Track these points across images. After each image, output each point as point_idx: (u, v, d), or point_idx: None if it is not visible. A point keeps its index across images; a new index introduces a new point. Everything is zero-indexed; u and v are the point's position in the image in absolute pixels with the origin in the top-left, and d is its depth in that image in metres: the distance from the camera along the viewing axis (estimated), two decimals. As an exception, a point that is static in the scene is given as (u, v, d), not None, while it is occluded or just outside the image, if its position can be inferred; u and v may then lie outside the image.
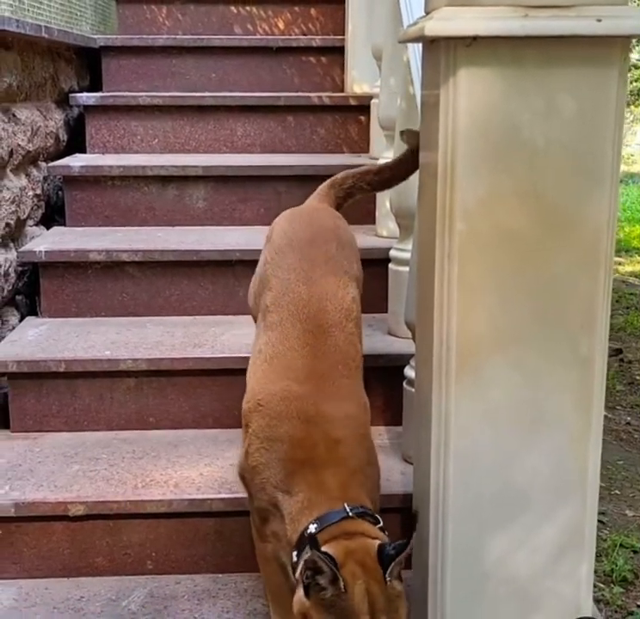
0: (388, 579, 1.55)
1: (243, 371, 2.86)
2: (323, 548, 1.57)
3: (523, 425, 1.60)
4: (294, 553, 1.71)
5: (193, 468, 2.62)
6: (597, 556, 3.65)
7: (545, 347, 1.56)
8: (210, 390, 2.87)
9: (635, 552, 3.78)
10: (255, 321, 2.39)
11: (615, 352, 6.87)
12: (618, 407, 5.76)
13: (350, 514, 1.69)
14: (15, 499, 2.42)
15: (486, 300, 1.55)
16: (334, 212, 2.53)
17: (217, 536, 2.49)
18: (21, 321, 3.21)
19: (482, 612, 1.67)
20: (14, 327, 3.13)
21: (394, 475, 2.49)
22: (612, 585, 3.45)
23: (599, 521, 4.01)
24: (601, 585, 3.45)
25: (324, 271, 2.23)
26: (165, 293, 3.23)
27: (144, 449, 2.75)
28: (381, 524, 1.72)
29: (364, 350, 2.87)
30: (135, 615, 2.32)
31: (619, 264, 10.03)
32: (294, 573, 1.69)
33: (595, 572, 3.46)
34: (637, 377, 6.26)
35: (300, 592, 1.59)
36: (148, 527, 2.50)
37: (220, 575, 2.50)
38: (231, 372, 2.83)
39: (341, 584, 1.53)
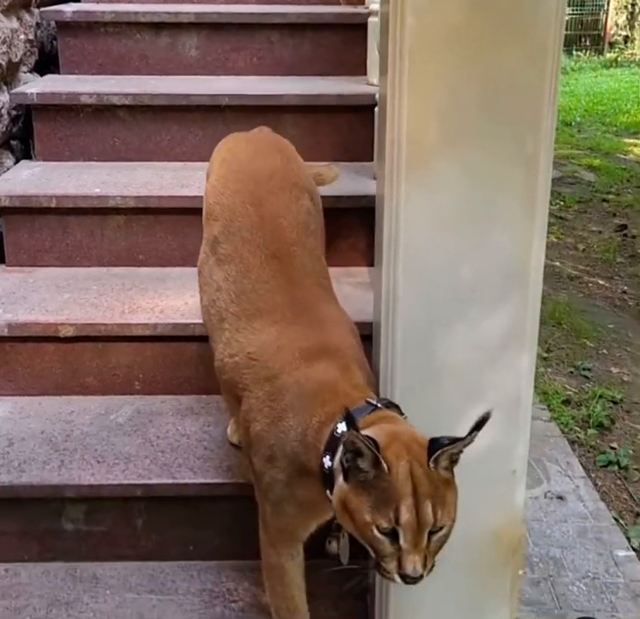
0: (432, 465, 1.47)
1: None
2: (364, 432, 1.46)
3: (470, 224, 1.67)
4: (326, 458, 1.57)
5: (179, 298, 2.73)
6: (577, 405, 3.80)
7: (492, 145, 1.61)
8: (196, 229, 2.92)
9: (614, 403, 3.92)
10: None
11: (620, 228, 6.89)
12: (616, 277, 5.83)
13: (379, 405, 1.62)
14: (9, 321, 2.55)
15: (436, 97, 1.60)
16: (273, 134, 2.39)
17: (199, 360, 2.61)
18: (15, 164, 3.27)
19: (429, 403, 1.78)
20: (8, 170, 3.20)
21: (368, 307, 2.59)
22: (588, 429, 3.59)
23: (583, 375, 4.17)
24: (577, 429, 3.60)
25: (271, 187, 2.07)
26: (156, 138, 3.27)
27: (133, 282, 2.86)
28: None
29: (349, 191, 2.95)
30: (122, 427, 2.48)
31: (635, 145, 9.91)
32: (329, 479, 1.57)
33: (574, 418, 3.62)
34: (639, 251, 6.30)
35: (340, 479, 1.51)
36: (135, 350, 2.63)
37: (203, 396, 2.64)
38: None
39: (384, 465, 1.44)
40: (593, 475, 3.29)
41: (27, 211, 2.90)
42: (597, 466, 3.37)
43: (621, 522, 3.01)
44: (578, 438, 3.54)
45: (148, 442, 2.40)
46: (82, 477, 2.24)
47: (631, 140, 10.22)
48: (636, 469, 3.37)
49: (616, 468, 3.36)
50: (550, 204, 5.99)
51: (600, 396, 3.91)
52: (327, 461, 1.58)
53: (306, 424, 1.65)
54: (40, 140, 3.26)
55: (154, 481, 2.25)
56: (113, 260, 2.98)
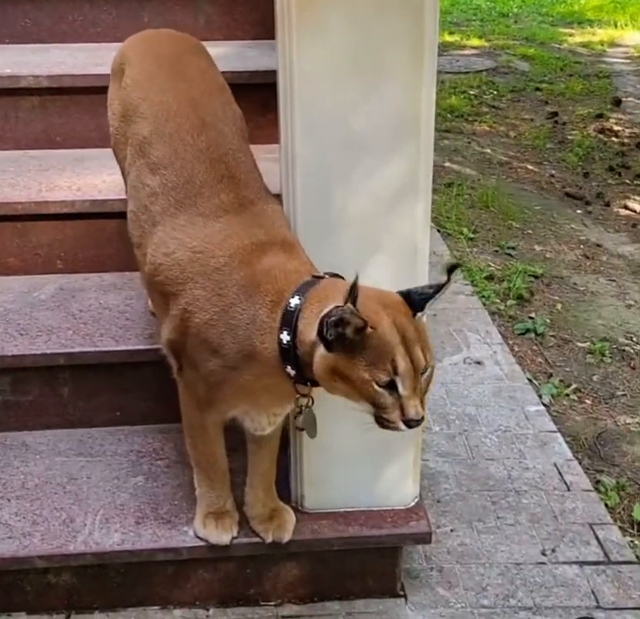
0: (417, 315, 1.57)
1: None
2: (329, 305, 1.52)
3: (360, 74, 1.71)
4: (284, 333, 1.60)
5: (97, 177, 2.74)
6: (500, 280, 3.93)
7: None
8: (113, 108, 2.94)
9: (535, 277, 4.05)
10: (119, 159, 2.18)
11: (551, 115, 6.95)
12: (544, 163, 5.92)
13: (325, 276, 1.66)
14: None
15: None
16: (188, 35, 2.30)
17: (120, 237, 2.63)
18: None
19: (331, 253, 1.85)
20: None
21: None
22: (508, 301, 3.73)
23: (507, 254, 4.29)
24: (498, 301, 3.73)
25: (203, 88, 2.01)
26: (68, 19, 3.21)
27: (51, 163, 2.85)
28: None
29: (265, 66, 2.94)
30: (45, 303, 2.53)
31: (570, 35, 9.89)
32: (288, 354, 1.61)
33: (495, 292, 3.75)
34: (568, 137, 6.38)
35: (321, 350, 1.53)
36: (55, 228, 2.65)
37: (126, 273, 2.68)
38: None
39: (369, 329, 1.49)
40: (510, 342, 3.44)
41: None
42: (515, 334, 3.52)
43: (534, 382, 3.17)
44: (498, 309, 3.68)
45: (71, 315, 2.46)
46: (4, 349, 2.29)
47: (567, 30, 10.19)
48: (552, 336, 3.53)
49: (533, 335, 3.51)
50: (484, 93, 6.00)
51: (523, 272, 4.03)
52: (285, 336, 1.60)
53: (259, 305, 1.66)
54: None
55: (77, 349, 2.31)
56: (30, 143, 2.96)
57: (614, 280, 4.12)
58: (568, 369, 3.31)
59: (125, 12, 3.22)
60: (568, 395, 3.12)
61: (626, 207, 5.05)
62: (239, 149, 1.93)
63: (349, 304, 1.45)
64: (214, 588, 2.11)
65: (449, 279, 1.59)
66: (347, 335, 1.48)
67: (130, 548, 2.00)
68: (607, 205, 5.10)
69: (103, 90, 2.85)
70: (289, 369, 1.63)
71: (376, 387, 1.51)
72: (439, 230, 4.48)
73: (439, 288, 1.59)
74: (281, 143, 1.82)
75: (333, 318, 1.47)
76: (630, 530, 2.48)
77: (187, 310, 1.75)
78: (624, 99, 7.26)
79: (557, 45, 9.33)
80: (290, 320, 1.60)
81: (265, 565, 2.11)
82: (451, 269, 1.60)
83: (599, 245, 4.54)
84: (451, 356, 3.28)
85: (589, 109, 6.99)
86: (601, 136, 6.42)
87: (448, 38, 9.54)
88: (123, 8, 3.22)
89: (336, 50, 1.70)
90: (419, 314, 1.59)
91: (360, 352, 1.50)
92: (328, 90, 1.73)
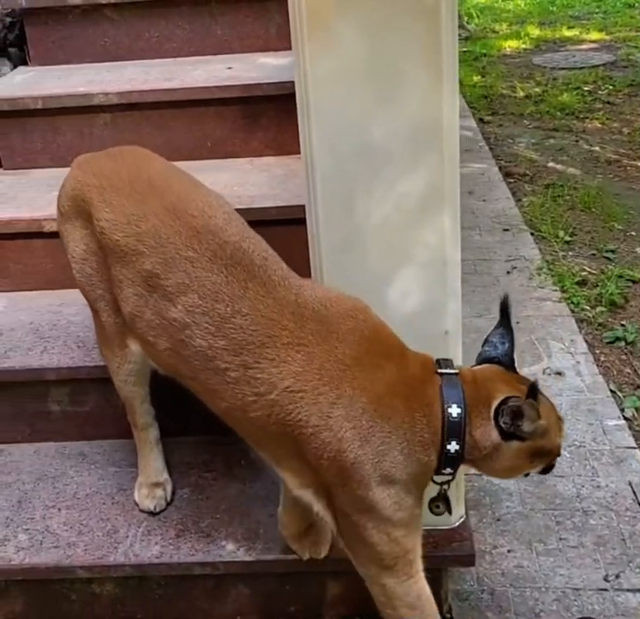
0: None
1: (212, 102, 3.01)
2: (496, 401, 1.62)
3: (375, 82, 1.65)
4: (453, 443, 1.61)
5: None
6: (593, 286, 3.75)
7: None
8: (181, 123, 2.99)
9: (634, 282, 3.85)
10: (92, 299, 2.00)
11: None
12: (657, 157, 5.63)
13: (456, 372, 1.68)
14: (-3, 219, 2.67)
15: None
16: (129, 147, 2.09)
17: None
18: (12, 71, 3.35)
19: (355, 264, 1.81)
20: (3, 76, 3.27)
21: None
22: (599, 307, 3.55)
23: (605, 257, 4.09)
24: (588, 308, 3.57)
25: (179, 192, 1.82)
26: (145, 35, 3.28)
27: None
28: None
29: (286, 77, 2.89)
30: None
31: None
32: (453, 460, 1.63)
33: (586, 298, 3.58)
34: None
35: (511, 445, 1.64)
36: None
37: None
38: (200, 103, 2.94)
39: (542, 422, 1.62)
40: (597, 352, 3.27)
41: (16, 113, 2.97)
42: (603, 343, 3.34)
43: (619, 394, 3.00)
44: (587, 316, 3.50)
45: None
46: (61, 361, 2.35)
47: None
48: (645, 345, 3.34)
49: (623, 344, 3.32)
50: (599, 88, 5.79)
51: (619, 276, 3.84)
52: (453, 446, 1.61)
53: (408, 424, 1.58)
54: (32, 45, 3.32)
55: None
56: (104, 159, 3.04)
57: None
58: (658, 380, 3.11)
59: (198, 27, 3.27)
60: (655, 408, 2.94)
61: None
62: (242, 234, 1.75)
63: (531, 401, 1.58)
64: (255, 603, 2.10)
65: (508, 319, 1.70)
66: (523, 427, 1.60)
67: (167, 561, 2.01)
68: None
69: (173, 105, 2.95)
70: (447, 471, 1.67)
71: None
72: (532, 234, 4.33)
73: (511, 339, 1.74)
74: (302, 153, 1.79)
75: (512, 410, 1.59)
76: None
77: (323, 452, 1.59)
78: None
79: (685, 36, 8.87)
80: (457, 430, 1.60)
81: (305, 582, 2.08)
82: (503, 307, 1.72)
83: None
84: (530, 366, 3.15)
85: None
86: None
87: (566, 33, 9.24)
88: (197, 23, 3.26)
89: (350, 59, 1.65)
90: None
91: (537, 439, 1.66)
92: (343, 100, 1.69)
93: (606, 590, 2.16)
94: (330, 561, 2.00)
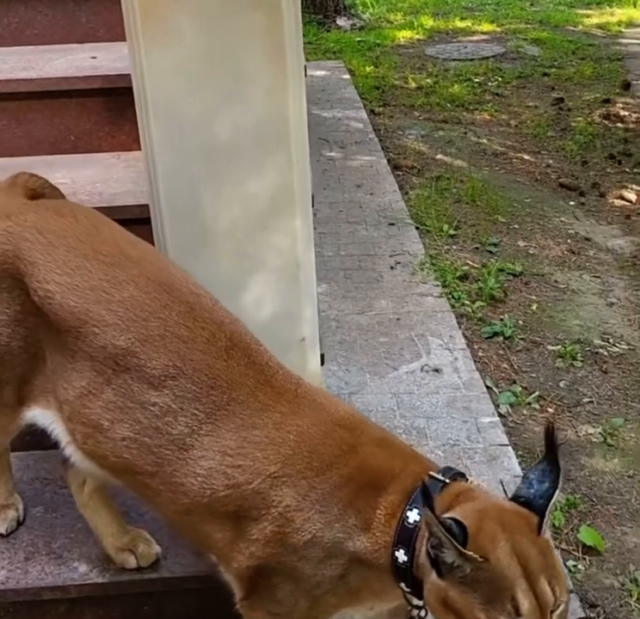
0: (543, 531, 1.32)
1: (73, 93, 2.86)
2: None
3: (217, 79, 1.58)
4: (401, 552, 1.40)
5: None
6: (475, 280, 3.75)
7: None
8: (41, 115, 2.83)
9: (514, 275, 3.87)
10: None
11: (556, 101, 6.71)
12: (543, 152, 5.70)
13: (446, 480, 1.42)
14: None
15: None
16: (63, 202, 1.83)
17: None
18: None
19: (205, 269, 1.72)
20: None
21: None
22: (479, 302, 3.56)
23: (488, 251, 4.11)
24: (468, 303, 3.56)
25: (151, 261, 1.60)
26: (3, 21, 3.10)
27: (-24, 174, 2.75)
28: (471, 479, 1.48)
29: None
30: None
31: (587, 16, 9.59)
32: (403, 572, 1.41)
33: (468, 292, 3.58)
34: (572, 124, 6.14)
35: (433, 576, 1.31)
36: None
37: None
38: (61, 94, 2.79)
39: (475, 556, 1.25)
40: (475, 347, 3.27)
41: None
42: (482, 338, 3.34)
43: (495, 390, 3.00)
44: (467, 311, 3.50)
45: None
46: None
47: (585, 11, 9.90)
48: (522, 339, 3.35)
49: (501, 339, 3.34)
50: (489, 80, 5.81)
51: (501, 270, 3.86)
52: (401, 555, 1.40)
53: (370, 518, 1.44)
54: None
55: None
56: (-42, 153, 2.86)
57: (599, 276, 3.92)
58: (534, 375, 3.13)
59: (61, 13, 3.10)
60: (529, 403, 2.95)
61: (622, 197, 4.83)
62: (228, 317, 1.59)
63: (429, 514, 1.25)
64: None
65: (555, 454, 1.38)
66: (453, 562, 1.27)
67: (13, 587, 1.89)
68: (602, 195, 4.89)
69: (32, 96, 2.79)
70: (403, 586, 1.44)
71: None
72: (417, 228, 4.32)
73: (555, 479, 1.37)
74: (143, 151, 1.68)
75: (432, 541, 1.28)
76: (575, 554, 2.31)
77: (277, 533, 1.47)
78: (634, 82, 6.99)
79: (572, 28, 9.05)
80: (407, 537, 1.39)
81: (164, 601, 1.99)
82: (549, 439, 1.40)
83: (587, 239, 4.34)
84: (409, 364, 3.13)
85: (597, 94, 6.74)
86: (606, 122, 6.17)
87: (459, 24, 9.31)
88: (59, 9, 3.10)
89: (188, 53, 1.56)
90: (543, 527, 1.34)
91: (474, 585, 1.27)
92: (183, 96, 1.60)
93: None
94: (189, 579, 1.92)
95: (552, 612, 1.28)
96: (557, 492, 1.35)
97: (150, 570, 1.92)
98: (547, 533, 1.34)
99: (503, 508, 1.37)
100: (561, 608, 1.30)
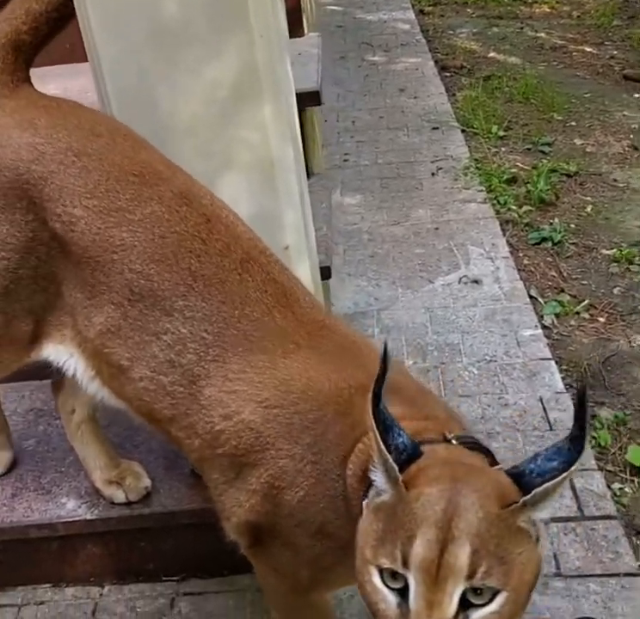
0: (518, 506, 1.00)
1: None
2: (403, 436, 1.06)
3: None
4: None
5: None
6: (524, 183, 3.45)
7: None
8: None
9: (568, 176, 3.55)
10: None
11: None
12: (606, 43, 5.25)
13: (451, 440, 1.15)
14: None
15: None
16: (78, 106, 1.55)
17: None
18: None
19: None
20: None
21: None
22: (526, 206, 3.27)
23: (541, 151, 3.77)
24: (515, 208, 3.28)
25: (170, 175, 1.43)
26: None
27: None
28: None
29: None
30: None
31: None
32: None
33: (514, 196, 3.29)
34: (640, 11, 5.64)
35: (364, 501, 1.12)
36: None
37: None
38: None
39: (401, 486, 1.02)
40: (520, 255, 3.00)
41: None
42: (528, 245, 3.06)
43: (540, 300, 2.74)
44: (513, 217, 3.22)
45: None
46: None
47: None
48: (573, 244, 3.06)
49: (549, 244, 3.05)
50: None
51: (553, 171, 3.53)
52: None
53: (356, 470, 1.20)
54: None
55: None
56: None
57: (663, 172, 3.57)
58: (585, 282, 2.85)
59: None
60: (577, 313, 2.68)
61: (693, 85, 4.39)
62: (250, 234, 1.43)
63: (373, 425, 1.03)
64: (108, 563, 1.87)
65: (583, 431, 1.02)
66: (377, 482, 1.06)
67: (-2, 525, 1.78)
68: (671, 84, 4.46)
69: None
70: None
71: (374, 578, 1.02)
72: (463, 130, 4.00)
73: (571, 459, 1.01)
74: (85, 45, 1.47)
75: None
76: (622, 475, 2.08)
77: (272, 486, 1.30)
78: None
79: None
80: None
81: (160, 538, 1.85)
82: (580, 411, 1.02)
83: (652, 132, 3.95)
84: (445, 275, 2.88)
85: (670, -23, 6.16)
86: (679, 5, 5.65)
87: None
88: None
89: None
90: (517, 505, 1.01)
91: (382, 515, 1.04)
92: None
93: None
94: (183, 514, 1.77)
95: (474, 606, 0.98)
96: (567, 475, 1.00)
97: (141, 505, 1.78)
98: (523, 516, 1.01)
99: (478, 469, 1.08)
100: (489, 606, 0.98)
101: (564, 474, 1.00)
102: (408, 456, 1.05)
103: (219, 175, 1.53)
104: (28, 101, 1.49)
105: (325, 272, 1.99)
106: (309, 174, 2.43)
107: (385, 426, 1.04)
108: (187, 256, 1.35)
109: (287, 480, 1.28)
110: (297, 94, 2.17)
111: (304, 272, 1.66)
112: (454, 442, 1.15)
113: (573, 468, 1.00)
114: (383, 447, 1.03)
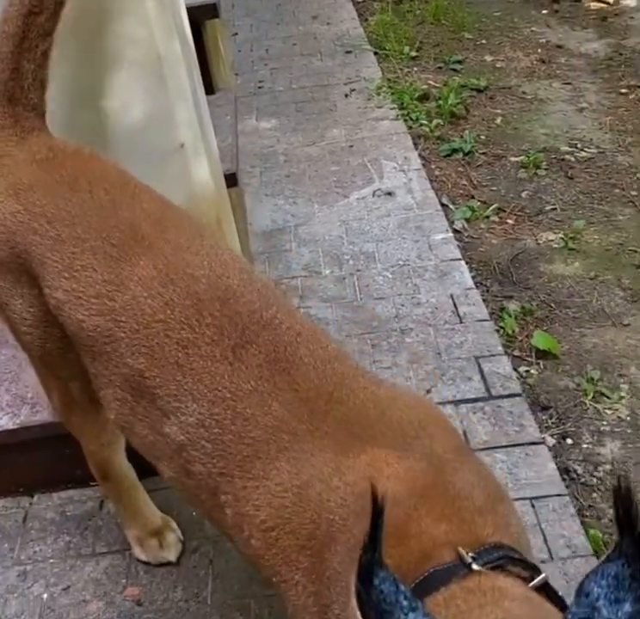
0: None
1: None
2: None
3: None
4: None
5: None
6: (436, 99, 3.50)
7: None
8: None
9: (478, 91, 3.61)
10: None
11: None
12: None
13: (473, 565, 0.88)
14: None
15: None
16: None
17: None
18: None
19: (57, 74, 1.53)
20: None
21: None
22: (437, 120, 3.32)
23: (452, 69, 3.82)
24: (427, 123, 3.33)
25: (212, 257, 1.23)
26: None
27: None
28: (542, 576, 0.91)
29: None
30: None
31: None
32: None
33: (426, 112, 3.33)
34: None
35: None
36: None
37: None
38: None
39: None
40: (432, 167, 3.06)
41: None
42: (440, 156, 3.13)
43: (451, 207, 2.81)
44: (425, 131, 3.27)
45: None
46: None
47: None
48: (483, 154, 3.13)
49: (460, 155, 3.12)
50: None
51: (463, 86, 3.59)
52: None
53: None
54: None
55: None
56: None
57: (569, 83, 3.64)
58: (494, 188, 2.93)
59: None
60: (487, 216, 2.76)
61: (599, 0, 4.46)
62: (266, 300, 1.20)
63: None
64: (34, 472, 1.92)
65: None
66: None
67: None
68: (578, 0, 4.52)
69: None
70: None
71: None
72: (376, 53, 4.03)
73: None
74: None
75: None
76: (528, 359, 2.18)
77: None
78: None
79: None
80: None
81: (86, 443, 1.89)
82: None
83: (559, 46, 4.02)
84: (360, 190, 2.94)
85: None
86: None
87: None
88: None
89: None
90: None
91: None
92: None
93: (416, 407, 2.02)
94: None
95: None
96: None
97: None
98: None
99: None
100: None
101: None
102: None
103: (108, 74, 1.54)
104: (27, 155, 1.33)
105: (231, 180, 2.03)
106: (214, 90, 2.45)
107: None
108: (174, 348, 1.15)
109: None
110: (194, 7, 2.19)
111: (204, 174, 1.69)
112: (476, 567, 0.87)
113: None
114: None
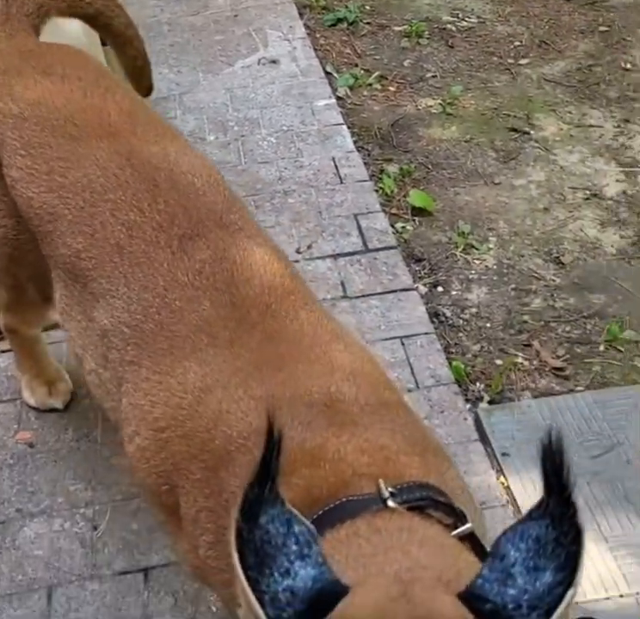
0: None
1: None
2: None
3: None
4: None
5: None
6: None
7: None
8: None
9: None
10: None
11: None
12: None
13: (389, 501, 0.81)
14: None
15: None
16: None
17: None
18: None
19: None
20: None
21: None
22: None
23: None
24: None
25: (181, 156, 1.22)
26: None
27: None
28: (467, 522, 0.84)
29: None
30: None
31: None
32: None
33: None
34: None
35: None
36: None
37: None
38: None
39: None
40: (317, 36, 3.07)
41: None
42: (325, 26, 3.14)
43: (335, 75, 2.85)
44: (310, 2, 3.26)
45: None
46: None
47: None
48: (367, 24, 3.15)
49: (345, 25, 3.13)
50: None
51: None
52: None
53: None
54: None
55: None
56: None
57: (454, -46, 3.66)
58: (377, 57, 2.98)
59: None
60: (370, 84, 2.82)
61: None
62: (229, 205, 1.18)
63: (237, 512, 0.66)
64: None
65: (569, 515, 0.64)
66: None
67: None
68: None
69: None
70: None
71: None
72: None
73: (572, 557, 0.63)
74: None
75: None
76: (405, 217, 2.29)
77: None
78: None
79: None
80: None
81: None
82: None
83: None
84: (244, 58, 2.94)
85: None
86: None
87: None
88: None
89: None
90: None
91: None
92: None
93: (297, 261, 2.12)
94: None
95: None
96: (572, 594, 0.62)
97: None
98: None
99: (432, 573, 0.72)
100: None
101: (572, 590, 0.62)
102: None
103: None
104: (12, 49, 1.36)
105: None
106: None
107: (264, 552, 0.63)
108: (117, 229, 1.12)
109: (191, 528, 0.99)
110: None
111: (75, 30, 1.69)
112: (392, 503, 0.80)
113: (579, 573, 0.62)
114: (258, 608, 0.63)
